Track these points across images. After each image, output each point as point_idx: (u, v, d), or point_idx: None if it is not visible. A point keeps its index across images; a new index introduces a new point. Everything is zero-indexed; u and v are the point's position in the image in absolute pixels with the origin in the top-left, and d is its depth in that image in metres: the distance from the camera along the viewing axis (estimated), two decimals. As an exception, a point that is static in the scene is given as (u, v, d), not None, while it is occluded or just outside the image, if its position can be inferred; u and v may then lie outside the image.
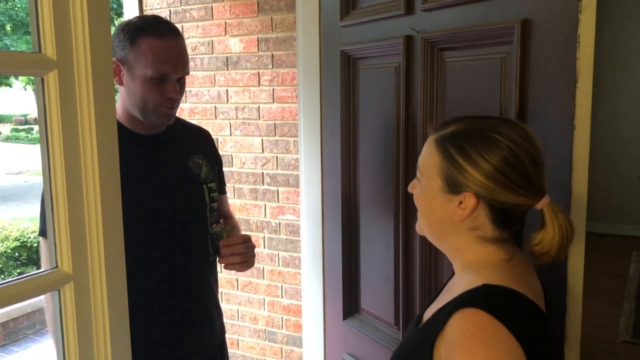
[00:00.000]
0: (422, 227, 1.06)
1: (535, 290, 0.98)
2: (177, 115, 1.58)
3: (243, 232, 1.79)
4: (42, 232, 1.37)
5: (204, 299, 1.60)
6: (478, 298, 0.90)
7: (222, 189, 1.74)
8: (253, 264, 1.62)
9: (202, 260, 1.58)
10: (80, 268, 0.99)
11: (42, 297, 3.87)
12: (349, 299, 1.78)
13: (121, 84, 1.43)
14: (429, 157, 1.00)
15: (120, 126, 1.44)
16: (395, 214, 1.54)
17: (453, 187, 0.96)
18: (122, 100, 1.47)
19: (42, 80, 0.93)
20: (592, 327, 4.12)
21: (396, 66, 1.48)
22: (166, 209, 1.49)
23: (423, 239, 1.45)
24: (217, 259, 1.62)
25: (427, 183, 1.01)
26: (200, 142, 1.67)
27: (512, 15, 1.14)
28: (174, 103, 1.45)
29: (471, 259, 1.00)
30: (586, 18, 1.01)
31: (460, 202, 0.96)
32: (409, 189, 1.06)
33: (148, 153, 1.50)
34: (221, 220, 1.63)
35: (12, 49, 13.33)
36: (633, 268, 5.33)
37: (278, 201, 2.65)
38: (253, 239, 2.64)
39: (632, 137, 6.29)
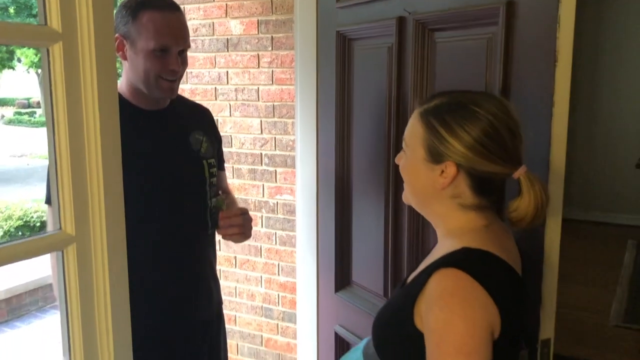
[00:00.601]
0: (407, 196, 1.12)
1: (513, 255, 1.04)
2: (180, 95, 1.64)
3: (241, 209, 1.85)
4: (48, 200, 1.43)
5: (202, 271, 1.66)
6: (457, 259, 0.97)
7: (221, 166, 1.79)
8: (250, 235, 1.68)
9: (200, 233, 1.63)
10: (82, 231, 1.05)
11: (44, 275, 3.92)
12: (340, 272, 1.85)
13: (125, 58, 1.48)
14: (413, 129, 1.06)
15: (124, 101, 1.51)
16: (385, 191, 1.60)
17: (435, 156, 1.03)
18: (126, 76, 1.52)
19: (48, 51, 0.98)
20: (584, 311, 4.19)
21: (389, 46, 1.53)
22: (166, 183, 1.55)
23: (411, 214, 1.51)
24: (216, 231, 1.68)
25: (411, 154, 1.07)
26: (201, 119, 1.72)
27: (498, -3, 1.19)
28: (176, 75, 1.49)
29: (452, 225, 1.06)
30: (566, 0, 1.06)
31: (442, 171, 1.02)
32: (396, 161, 1.12)
33: (150, 128, 1.55)
34: (220, 192, 1.69)
35: (15, 31, 13.31)
36: (628, 256, 5.39)
37: (276, 181, 2.71)
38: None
39: (630, 127, 6.32)
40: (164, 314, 1.56)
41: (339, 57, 1.75)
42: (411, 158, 1.08)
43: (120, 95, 1.52)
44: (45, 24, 0.97)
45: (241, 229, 1.61)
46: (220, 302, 1.76)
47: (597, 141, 6.47)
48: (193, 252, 1.62)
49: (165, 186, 1.54)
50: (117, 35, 1.46)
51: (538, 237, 1.17)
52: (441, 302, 0.93)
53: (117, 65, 1.16)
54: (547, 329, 1.18)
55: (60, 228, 1.03)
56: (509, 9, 1.17)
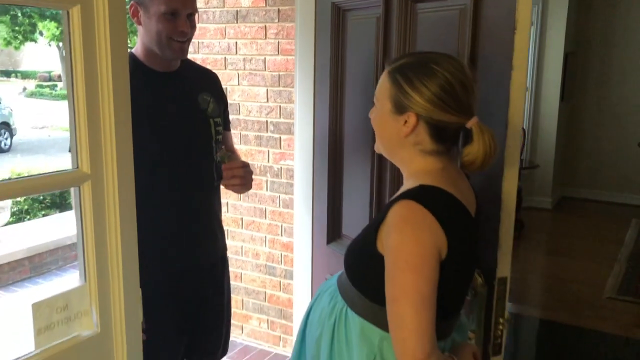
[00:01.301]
0: (378, 145, 1.29)
1: (466, 195, 1.20)
2: (190, 60, 1.79)
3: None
4: (70, 149, 1.61)
5: (208, 219, 1.83)
6: (413, 193, 1.14)
7: (226, 126, 1.95)
8: (250, 186, 1.84)
9: (207, 184, 1.80)
10: (96, 170, 1.22)
11: (64, 236, 4.15)
12: (332, 226, 2.01)
13: (139, 23, 1.64)
14: (382, 85, 1.22)
15: (139, 63, 1.67)
16: (372, 152, 1.75)
17: (399, 108, 1.18)
18: (141, 40, 1.68)
19: (68, 13, 1.14)
20: (581, 284, 4.33)
21: (377, 17, 1.67)
22: (176, 138, 1.71)
23: (393, 172, 1.66)
24: (221, 182, 1.84)
25: (380, 107, 1.23)
26: (208, 82, 1.88)
27: (468, -29, 1.33)
28: (186, 36, 1.64)
29: (414, 168, 1.22)
30: (524, -26, 1.19)
31: (405, 121, 1.18)
32: (369, 114, 1.28)
33: (162, 87, 1.71)
34: (223, 147, 1.84)
35: None
36: (630, 234, 5.49)
37: (280, 148, 2.87)
38: (256, 182, 2.90)
39: (636, 111, 6.36)
40: (173, 255, 1.74)
41: (334, 27, 1.89)
42: (380, 111, 1.23)
43: (135, 58, 1.69)
44: (66, -13, 1.13)
45: (242, 179, 1.77)
46: (224, 248, 1.94)
47: (604, 125, 6.54)
48: (200, 200, 1.78)
49: (174, 140, 1.70)
50: (132, 2, 1.62)
51: (496, 187, 1.31)
52: (397, 227, 1.11)
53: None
54: (503, 269, 1.34)
55: (78, 167, 1.20)
56: (477, -18, 1.30)
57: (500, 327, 1.34)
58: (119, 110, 1.23)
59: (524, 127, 6.06)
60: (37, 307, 1.15)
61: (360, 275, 1.26)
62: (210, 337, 1.89)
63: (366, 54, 1.73)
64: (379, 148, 1.29)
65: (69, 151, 1.66)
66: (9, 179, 1.13)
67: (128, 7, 1.62)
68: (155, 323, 1.61)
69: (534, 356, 3.54)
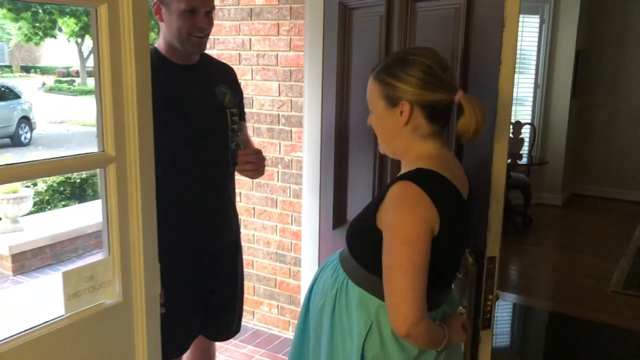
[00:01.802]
0: (382, 147, 1.41)
1: (459, 179, 1.32)
2: (208, 54, 1.92)
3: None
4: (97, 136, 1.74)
5: (222, 202, 1.96)
6: (410, 175, 1.27)
7: (242, 116, 2.08)
8: (263, 172, 1.96)
9: (222, 170, 1.93)
10: (120, 153, 1.34)
11: (84, 225, 4.31)
12: (337, 212, 2.13)
13: (162, 20, 1.77)
14: (371, 89, 1.35)
15: (161, 56, 1.81)
16: (374, 142, 1.86)
17: (392, 101, 1.30)
18: (163, 35, 1.81)
19: (96, 10, 1.26)
20: (587, 278, 4.41)
21: (381, 15, 1.78)
22: (194, 126, 1.84)
23: (394, 162, 1.77)
24: (235, 168, 1.96)
25: (375, 109, 1.35)
26: (225, 75, 2.01)
27: (462, -28, 1.43)
28: (204, 32, 1.77)
29: (414, 154, 1.34)
30: (513, -24, 1.30)
31: (401, 112, 1.29)
32: (367, 123, 1.40)
33: (182, 79, 1.84)
34: (240, 133, 1.96)
35: None
36: (639, 230, 5.53)
37: (291, 140, 2.99)
38: (268, 173, 3.02)
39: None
40: (190, 234, 1.87)
41: (341, 25, 2.00)
42: (376, 113, 1.36)
43: (158, 52, 1.82)
44: (94, -12, 1.26)
45: (255, 165, 1.89)
46: (238, 231, 2.06)
47: (615, 122, 6.57)
48: (215, 185, 1.91)
49: (193, 128, 1.83)
50: (155, 0, 1.76)
51: (485, 174, 1.42)
52: (395, 205, 1.24)
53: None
54: (492, 249, 1.44)
55: (104, 150, 1.33)
56: (470, -18, 1.41)
57: (489, 303, 1.45)
58: (141, 99, 1.36)
59: (534, 124, 6.12)
60: (67, 275, 1.28)
61: (361, 249, 1.38)
62: (224, 314, 2.02)
63: (370, 50, 1.85)
64: (383, 149, 1.41)
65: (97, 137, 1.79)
66: (44, 159, 1.24)
67: (151, 4, 1.76)
68: (172, 298, 1.74)
69: (542, 346, 3.63)
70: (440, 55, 1.29)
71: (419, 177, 1.26)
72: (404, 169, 1.34)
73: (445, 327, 1.31)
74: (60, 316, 1.28)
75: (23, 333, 1.21)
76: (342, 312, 1.40)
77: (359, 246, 1.39)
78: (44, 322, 1.26)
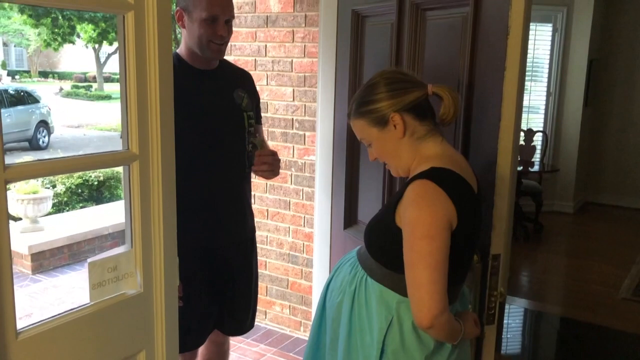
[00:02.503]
0: (394, 170, 1.48)
1: (468, 174, 1.40)
2: (227, 60, 2.01)
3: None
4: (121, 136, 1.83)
5: (239, 202, 2.04)
6: (426, 174, 1.34)
7: (258, 120, 2.16)
8: (278, 173, 2.04)
9: (239, 171, 2.01)
10: (144, 151, 1.42)
11: (100, 226, 4.43)
12: (349, 213, 2.20)
13: (184, 27, 1.87)
14: (357, 127, 1.45)
15: (183, 61, 1.90)
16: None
17: (382, 122, 1.39)
18: (185, 41, 1.90)
19: (124, 17, 1.35)
20: (597, 284, 4.43)
21: (392, 23, 1.85)
22: (214, 128, 1.92)
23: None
24: (252, 168, 2.04)
25: (371, 139, 1.44)
26: (243, 80, 2.09)
27: (469, -18, 1.50)
28: (224, 40, 1.86)
29: (421, 156, 1.41)
30: (517, -14, 1.36)
31: (394, 125, 1.38)
32: (371, 159, 1.49)
33: (203, 83, 1.93)
34: (257, 134, 2.04)
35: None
36: (652, 237, 5.54)
37: (304, 144, 3.06)
38: (282, 176, 3.10)
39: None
40: (208, 232, 1.95)
41: (353, 32, 2.08)
42: (374, 142, 1.44)
43: (180, 57, 1.91)
44: (123, -3, 1.34)
45: (271, 166, 1.97)
46: (253, 229, 2.14)
47: (628, 131, 6.58)
48: (232, 185, 1.99)
49: (212, 129, 1.91)
50: (178, 8, 1.85)
51: (490, 174, 1.48)
52: (414, 202, 1.31)
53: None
54: (497, 246, 1.50)
55: (128, 148, 1.42)
56: (477, -8, 1.48)
57: (493, 299, 1.51)
58: (164, 101, 1.44)
59: (546, 132, 6.15)
60: (93, 265, 1.36)
61: (380, 247, 1.45)
62: (239, 310, 2.10)
63: (381, 56, 1.92)
64: (397, 172, 1.48)
65: (121, 137, 1.88)
66: (76, 155, 1.33)
67: (174, 12, 1.85)
68: (189, 293, 1.82)
69: (553, 351, 3.67)
70: (395, 69, 1.42)
71: (434, 175, 1.33)
72: (417, 168, 1.41)
73: (461, 322, 1.37)
74: (86, 304, 1.36)
75: (52, 318, 1.28)
76: (361, 307, 1.46)
77: (378, 244, 1.46)
78: (71, 309, 1.34)
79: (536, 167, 5.78)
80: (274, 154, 1.99)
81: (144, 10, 1.37)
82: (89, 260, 1.35)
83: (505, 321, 3.83)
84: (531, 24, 5.25)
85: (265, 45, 3.11)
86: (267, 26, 3.09)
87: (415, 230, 1.30)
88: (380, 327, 1.40)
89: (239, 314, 2.10)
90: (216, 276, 1.98)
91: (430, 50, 1.69)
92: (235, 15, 3.12)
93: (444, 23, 1.64)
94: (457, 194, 1.31)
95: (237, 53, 3.20)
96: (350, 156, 2.20)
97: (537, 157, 5.91)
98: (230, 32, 1.89)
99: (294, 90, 3.05)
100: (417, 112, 1.37)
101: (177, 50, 1.93)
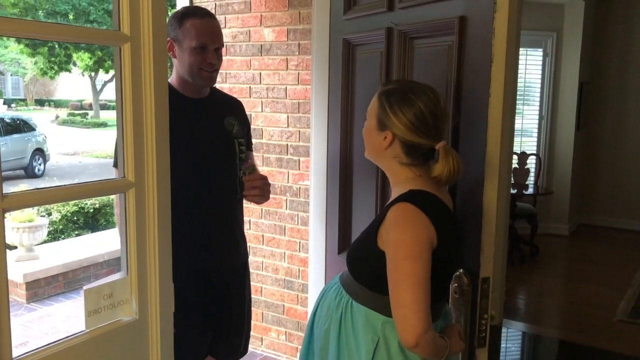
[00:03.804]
0: (366, 152, 1.53)
1: (445, 198, 1.45)
2: (218, 89, 2.05)
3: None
4: (115, 164, 1.86)
5: (231, 227, 2.06)
6: (406, 196, 1.38)
7: (249, 146, 2.19)
8: (268, 198, 2.07)
9: (231, 196, 2.03)
10: (139, 179, 1.45)
11: (95, 254, 4.44)
12: (342, 238, 2.22)
13: (175, 56, 1.92)
14: (372, 104, 1.48)
15: (174, 91, 1.94)
16: (376, 170, 1.97)
17: (381, 126, 1.43)
18: (176, 70, 1.95)
19: (120, 49, 1.39)
20: (593, 307, 4.43)
21: (381, 51, 1.90)
22: (205, 155, 1.96)
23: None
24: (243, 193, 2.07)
25: (369, 122, 1.48)
26: (233, 108, 2.14)
27: (455, 13, 1.55)
28: (213, 67, 1.91)
29: (398, 177, 1.47)
30: (500, 16, 1.41)
31: (385, 137, 1.43)
32: (363, 131, 1.52)
33: (194, 111, 1.97)
34: (248, 161, 2.07)
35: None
36: (646, 259, 5.55)
37: (299, 169, 3.10)
38: (277, 201, 3.12)
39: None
40: (201, 257, 1.97)
41: (344, 60, 2.13)
42: (368, 125, 1.49)
43: (171, 86, 1.95)
44: (119, 29, 1.39)
45: (261, 191, 2.00)
46: (246, 255, 2.16)
47: (620, 153, 6.65)
48: (224, 210, 2.02)
49: (204, 156, 1.95)
50: (168, 39, 1.89)
51: (477, 198, 1.52)
52: (396, 225, 1.35)
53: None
54: (486, 270, 1.52)
55: (124, 176, 1.44)
56: (461, 22, 1.53)
57: (484, 322, 1.52)
58: (159, 130, 1.47)
59: (540, 155, 6.21)
60: (88, 293, 1.38)
61: (363, 270, 1.48)
62: (232, 336, 2.10)
63: (372, 83, 1.96)
64: (366, 155, 1.54)
65: (114, 165, 1.91)
66: (73, 184, 1.35)
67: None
68: (183, 318, 1.82)
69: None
70: (440, 102, 1.41)
71: (413, 197, 1.37)
72: (395, 190, 1.46)
73: (446, 339, 1.39)
74: (81, 331, 1.37)
75: (48, 345, 1.29)
76: (348, 332, 1.48)
77: (361, 267, 1.49)
78: (67, 337, 1.35)
79: (530, 190, 5.82)
80: (263, 179, 2.02)
81: (140, 42, 1.41)
82: (85, 287, 1.37)
83: (503, 345, 3.83)
84: (522, 49, 5.33)
85: (260, 73, 3.17)
86: (261, 54, 3.15)
87: (398, 252, 1.34)
88: (368, 349, 1.43)
89: (232, 340, 2.11)
90: (209, 302, 1.99)
91: (418, 77, 1.74)
92: (231, 44, 3.19)
93: (431, 51, 1.69)
94: (435, 214, 1.36)
95: (232, 81, 3.25)
96: (344, 181, 2.23)
97: (531, 180, 5.95)
98: (220, 59, 1.95)
99: (288, 116, 3.10)
100: (408, 149, 1.42)
101: (169, 80, 1.97)
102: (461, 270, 1.51)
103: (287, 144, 3.13)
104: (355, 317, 1.48)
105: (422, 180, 1.43)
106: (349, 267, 1.52)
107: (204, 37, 1.86)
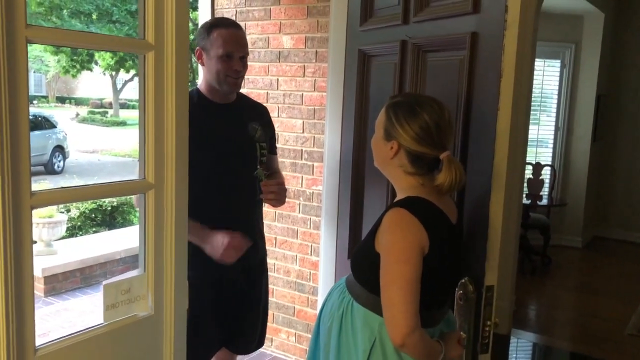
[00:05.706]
0: (375, 162, 1.60)
1: (447, 205, 1.50)
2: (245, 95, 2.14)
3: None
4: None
5: (250, 226, 2.14)
6: (401, 202, 1.46)
7: (272, 150, 2.28)
8: (284, 202, 2.16)
9: (250, 197, 2.12)
10: (159, 181, 1.52)
11: (112, 251, 4.54)
12: (353, 242, 2.27)
13: (203, 64, 2.03)
14: (381, 115, 1.55)
15: (202, 96, 2.05)
16: (386, 179, 2.01)
17: (388, 136, 1.50)
18: (204, 77, 2.05)
19: (144, 57, 1.46)
20: (604, 320, 4.43)
21: (395, 63, 1.96)
22: (228, 157, 2.05)
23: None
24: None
25: (377, 133, 1.56)
26: (258, 113, 2.24)
27: (466, 29, 1.61)
28: (239, 74, 2.02)
29: (401, 185, 1.54)
30: (510, 33, 1.46)
31: (391, 147, 1.49)
32: (371, 141, 1.59)
33: (220, 116, 2.07)
34: (258, 166, 2.15)
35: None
36: (660, 273, 5.52)
37: (313, 174, 3.16)
38: (290, 205, 3.18)
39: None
40: None
41: (360, 70, 2.19)
42: (376, 136, 1.56)
43: (200, 92, 2.05)
44: (144, 38, 1.46)
45: (277, 195, 2.09)
46: (264, 254, 2.25)
47: (637, 166, 6.60)
48: (244, 211, 2.11)
49: (227, 159, 2.04)
50: (197, 47, 2.00)
51: (483, 209, 1.56)
52: (389, 229, 1.42)
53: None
54: (490, 278, 1.57)
55: (145, 178, 1.51)
56: (473, 37, 1.58)
57: (487, 328, 1.57)
58: (179, 133, 1.53)
59: (554, 166, 6.20)
60: (107, 287, 1.45)
61: (363, 272, 1.55)
62: (248, 330, 2.19)
63: (385, 93, 2.01)
64: (375, 164, 1.61)
65: (136, 161, 1.98)
66: (94, 184, 1.43)
67: (195, 51, 2.00)
68: (198, 315, 1.89)
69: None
70: (445, 114, 1.47)
71: (408, 203, 1.44)
72: (397, 197, 1.52)
73: (441, 343, 1.45)
74: (100, 324, 1.44)
75: (67, 337, 1.36)
76: (347, 330, 1.55)
77: (361, 269, 1.57)
78: (86, 329, 1.42)
79: (544, 201, 5.82)
80: (280, 184, 2.10)
81: (164, 50, 1.48)
82: (104, 282, 1.44)
83: (513, 355, 3.84)
84: (540, 59, 5.30)
85: (277, 79, 3.24)
86: (279, 61, 3.21)
87: (390, 255, 1.40)
88: (364, 348, 1.49)
89: (248, 333, 2.20)
90: (226, 298, 2.08)
91: (430, 88, 1.79)
92: (249, 50, 3.26)
93: (443, 64, 1.75)
94: (429, 221, 1.42)
95: (250, 86, 3.33)
96: (355, 187, 2.29)
97: (545, 191, 5.95)
98: (245, 66, 2.04)
99: (303, 122, 3.16)
100: (414, 159, 1.48)
101: (198, 86, 2.08)
102: (466, 278, 1.55)
103: (301, 149, 3.19)
104: (355, 317, 1.55)
105: (423, 188, 1.49)
106: (352, 269, 1.60)
107: (229, 45, 1.96)
